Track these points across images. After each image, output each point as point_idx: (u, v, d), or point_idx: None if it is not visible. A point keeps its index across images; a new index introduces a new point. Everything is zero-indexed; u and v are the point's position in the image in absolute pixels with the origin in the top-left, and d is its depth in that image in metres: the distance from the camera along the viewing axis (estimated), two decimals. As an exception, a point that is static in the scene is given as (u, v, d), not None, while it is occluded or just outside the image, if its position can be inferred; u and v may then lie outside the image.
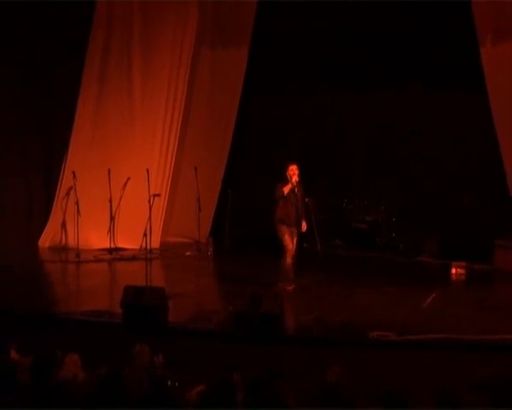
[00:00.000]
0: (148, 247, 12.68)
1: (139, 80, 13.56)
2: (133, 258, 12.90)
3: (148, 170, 12.77)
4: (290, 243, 10.85)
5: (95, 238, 13.39)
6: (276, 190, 10.77)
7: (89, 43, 13.42)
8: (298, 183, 10.70)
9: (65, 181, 13.44)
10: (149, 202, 12.67)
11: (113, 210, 13.15)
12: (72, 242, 13.27)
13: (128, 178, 13.04)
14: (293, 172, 10.69)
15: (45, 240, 13.68)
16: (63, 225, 13.29)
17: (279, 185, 10.76)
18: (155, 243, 13.22)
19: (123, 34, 13.48)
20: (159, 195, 13.13)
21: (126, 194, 13.06)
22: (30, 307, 10.13)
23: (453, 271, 11.95)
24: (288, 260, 10.86)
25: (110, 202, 13.07)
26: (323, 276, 11.34)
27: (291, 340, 9.10)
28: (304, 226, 10.86)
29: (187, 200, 13.66)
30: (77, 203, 13.02)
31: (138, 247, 12.94)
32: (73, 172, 13.19)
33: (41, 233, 13.70)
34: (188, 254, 13.43)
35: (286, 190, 10.69)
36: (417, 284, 11.43)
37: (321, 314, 9.80)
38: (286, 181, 10.73)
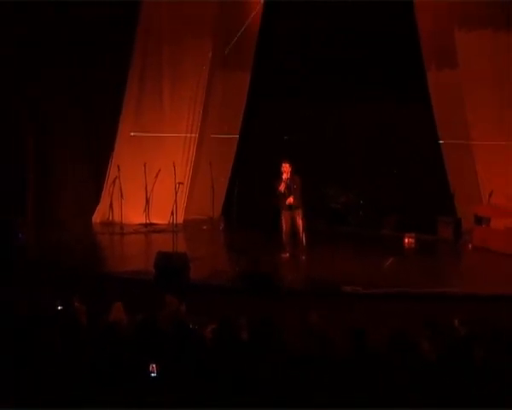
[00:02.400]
0: (175, 222, 12.69)
1: (168, 97, 13.46)
2: (163, 231, 12.86)
3: (174, 164, 12.78)
4: (285, 224, 10.79)
5: (134, 215, 13.36)
6: (275, 186, 10.58)
7: (129, 69, 13.30)
8: (289, 177, 10.47)
9: (111, 172, 13.39)
10: (175, 188, 12.69)
11: (148, 194, 13.12)
12: (117, 218, 13.24)
13: (159, 170, 13.00)
14: (284, 169, 10.49)
15: (97, 217, 13.65)
16: (110, 205, 13.24)
17: (276, 181, 10.54)
18: (180, 219, 13.20)
19: (155, 62, 13.37)
20: (182, 183, 13.12)
21: (158, 182, 13.03)
22: (86, 267, 10.17)
23: (406, 240, 11.92)
24: (284, 237, 10.83)
25: (146, 188, 13.06)
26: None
27: (283, 292, 9.11)
28: (295, 212, 10.74)
29: (204, 186, 13.62)
30: (120, 189, 13.01)
31: (167, 222, 12.95)
32: (118, 166, 13.15)
33: (94, 212, 13.68)
34: (204, 227, 13.39)
35: (281, 188, 10.56)
36: (379, 251, 11.45)
37: (307, 273, 9.85)
38: (281, 176, 10.59)
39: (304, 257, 10.80)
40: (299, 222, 10.68)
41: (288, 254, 10.81)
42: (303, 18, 12.87)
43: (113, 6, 12.26)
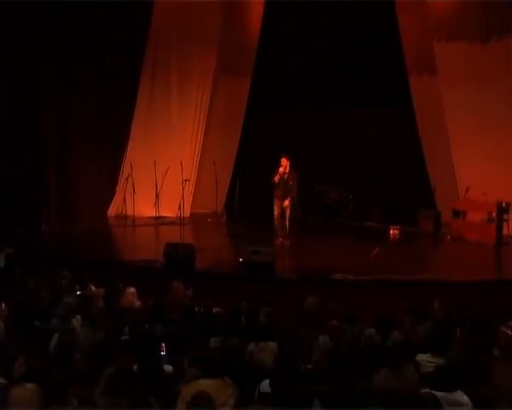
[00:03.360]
0: (182, 215, 12.69)
1: (175, 102, 13.44)
2: (171, 223, 12.85)
3: (181, 162, 12.76)
4: (276, 211, 10.81)
5: (145, 209, 13.35)
6: (273, 177, 10.66)
7: (140, 79, 13.22)
8: (287, 171, 10.50)
9: (125, 170, 13.37)
10: (182, 184, 12.69)
11: (158, 190, 13.09)
12: (129, 211, 13.25)
13: (168, 168, 12.99)
14: (281, 163, 10.57)
15: (112, 210, 13.65)
16: (124, 200, 13.26)
17: (275, 173, 10.62)
18: (187, 212, 13.22)
19: (164, 70, 13.34)
20: (189, 180, 13.11)
21: (167, 179, 13.02)
22: (102, 256, 10.19)
23: (391, 232, 11.91)
24: (275, 223, 10.85)
25: (156, 184, 13.04)
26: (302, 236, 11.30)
27: (280, 280, 9.14)
28: (286, 202, 10.75)
29: (208, 183, 13.62)
30: (133, 185, 12.98)
31: (175, 215, 12.94)
32: (131, 164, 13.14)
33: (109, 206, 13.67)
34: (209, 220, 13.39)
35: (276, 179, 10.59)
36: (366, 241, 11.43)
37: (301, 262, 9.84)
38: (278, 169, 10.60)
39: (288, 242, 10.79)
40: (288, 212, 10.75)
41: (280, 240, 10.82)
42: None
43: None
